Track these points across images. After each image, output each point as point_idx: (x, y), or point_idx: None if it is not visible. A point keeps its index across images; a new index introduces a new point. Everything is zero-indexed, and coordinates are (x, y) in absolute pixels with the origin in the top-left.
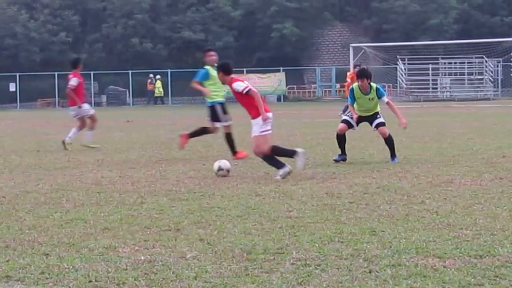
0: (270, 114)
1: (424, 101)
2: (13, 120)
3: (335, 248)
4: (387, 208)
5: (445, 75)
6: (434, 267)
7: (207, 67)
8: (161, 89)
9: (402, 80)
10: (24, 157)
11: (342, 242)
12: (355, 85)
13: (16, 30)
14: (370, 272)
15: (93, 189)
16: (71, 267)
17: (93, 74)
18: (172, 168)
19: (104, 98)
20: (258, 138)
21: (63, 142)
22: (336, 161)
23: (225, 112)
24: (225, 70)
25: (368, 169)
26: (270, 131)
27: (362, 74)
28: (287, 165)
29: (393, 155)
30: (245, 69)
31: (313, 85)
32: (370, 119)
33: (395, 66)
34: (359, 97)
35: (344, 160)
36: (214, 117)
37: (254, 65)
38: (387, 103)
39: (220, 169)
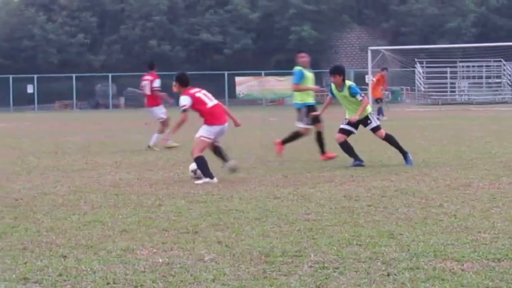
0: (219, 127)
1: (442, 104)
2: (31, 122)
3: (353, 251)
4: (405, 211)
5: (463, 78)
6: (452, 271)
7: (300, 67)
8: None
9: (420, 83)
10: (42, 159)
11: (360, 245)
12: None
13: (34, 32)
14: (388, 275)
15: (111, 191)
16: (89, 269)
17: (111, 76)
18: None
19: (122, 100)
20: (197, 140)
21: (149, 146)
22: (357, 165)
23: (308, 115)
24: (181, 81)
25: (386, 172)
26: (210, 139)
27: (333, 70)
28: (214, 178)
29: (404, 154)
30: (263, 72)
31: None
32: (363, 123)
33: (413, 69)
34: (336, 94)
35: (361, 165)
36: (300, 118)
37: (272, 68)
38: (361, 101)
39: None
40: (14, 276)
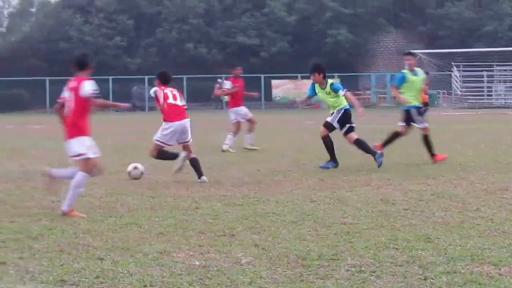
0: (178, 123)
1: (478, 108)
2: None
3: (390, 255)
4: (442, 215)
5: (499, 82)
6: (489, 275)
7: (405, 71)
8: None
9: (457, 87)
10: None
11: (397, 248)
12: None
13: (70, 34)
14: (425, 279)
15: (147, 193)
16: (125, 271)
17: (147, 78)
18: (227, 173)
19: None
20: (153, 144)
21: (223, 150)
22: (326, 167)
23: (420, 114)
24: (161, 79)
25: (423, 175)
26: (165, 143)
27: (312, 69)
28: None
29: (373, 154)
30: (299, 75)
31: (367, 92)
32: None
33: (449, 73)
34: (319, 92)
35: (335, 166)
36: (409, 120)
37: (309, 71)
38: (344, 95)
39: (135, 168)
40: (51, 278)
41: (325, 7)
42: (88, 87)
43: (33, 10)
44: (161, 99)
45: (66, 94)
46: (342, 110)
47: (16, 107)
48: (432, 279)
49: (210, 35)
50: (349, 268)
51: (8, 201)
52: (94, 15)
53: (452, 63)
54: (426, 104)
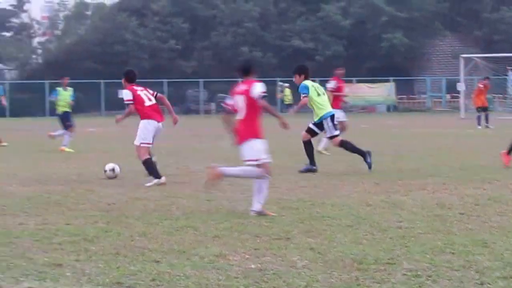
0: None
1: None
2: (122, 127)
3: (446, 259)
4: (498, 220)
5: None
6: None
7: None
8: (290, 97)
9: None
10: (134, 163)
11: (453, 253)
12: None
13: (126, 37)
14: (481, 284)
15: (203, 197)
16: (181, 274)
17: (203, 82)
18: (282, 177)
19: (213, 105)
20: (138, 148)
21: (319, 152)
22: (308, 171)
23: None
24: (127, 77)
25: (479, 180)
26: (149, 144)
27: (293, 70)
28: (162, 177)
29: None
30: (354, 79)
31: (422, 96)
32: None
33: (505, 77)
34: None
35: (314, 171)
36: None
37: (364, 75)
38: (302, 98)
39: (111, 169)
40: (107, 280)
41: (381, 11)
42: (259, 88)
43: (89, 13)
44: (138, 105)
45: (233, 100)
46: (329, 118)
47: (72, 110)
48: (489, 284)
49: (265, 39)
50: (406, 273)
51: (64, 203)
52: (149, 18)
53: (508, 67)
54: (483, 109)
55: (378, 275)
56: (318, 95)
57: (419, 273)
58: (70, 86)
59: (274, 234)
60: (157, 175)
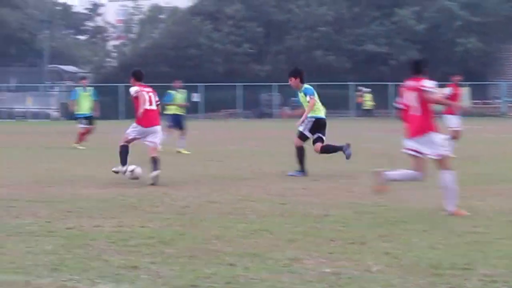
0: (143, 129)
1: None
2: (197, 130)
3: None
4: None
5: None
6: None
7: None
8: (370, 102)
9: None
10: (208, 167)
11: None
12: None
13: (200, 41)
14: None
15: (277, 200)
16: (257, 277)
17: (277, 86)
18: (357, 181)
19: (286, 110)
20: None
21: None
22: (296, 175)
23: None
24: (135, 76)
25: None
26: (132, 136)
27: (289, 73)
28: (125, 167)
29: (340, 149)
30: None
31: (497, 100)
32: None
33: None
34: (299, 95)
35: (302, 175)
36: None
37: (438, 79)
38: (308, 101)
39: (132, 170)
40: (182, 283)
41: (455, 15)
42: (428, 83)
43: (163, 17)
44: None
45: (404, 98)
46: (314, 119)
47: None
48: None
49: (339, 43)
50: (482, 278)
51: (140, 206)
52: (223, 22)
53: None
54: None
55: (454, 280)
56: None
57: (495, 278)
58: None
59: (349, 238)
60: (124, 163)
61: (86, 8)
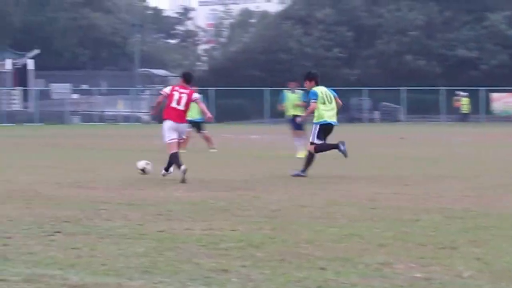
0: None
1: None
2: (286, 135)
3: None
4: None
5: None
6: None
7: None
8: (468, 106)
9: None
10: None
11: None
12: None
13: (290, 45)
14: None
15: (367, 204)
16: (348, 282)
17: (367, 90)
18: (446, 186)
19: (377, 114)
20: (167, 145)
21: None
22: (298, 176)
23: None
24: (185, 78)
25: None
26: (174, 139)
27: (304, 76)
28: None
29: (335, 147)
30: None
31: None
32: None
33: None
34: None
35: (302, 175)
36: None
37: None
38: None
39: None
40: (273, 286)
41: None
42: None
43: (253, 21)
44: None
45: None
46: (318, 125)
47: (236, 117)
48: None
49: (430, 47)
50: None
51: (229, 209)
52: (314, 26)
53: None
54: None
55: None
56: (323, 103)
57: None
58: (236, 93)
59: (439, 243)
60: (179, 166)
61: (177, 12)
